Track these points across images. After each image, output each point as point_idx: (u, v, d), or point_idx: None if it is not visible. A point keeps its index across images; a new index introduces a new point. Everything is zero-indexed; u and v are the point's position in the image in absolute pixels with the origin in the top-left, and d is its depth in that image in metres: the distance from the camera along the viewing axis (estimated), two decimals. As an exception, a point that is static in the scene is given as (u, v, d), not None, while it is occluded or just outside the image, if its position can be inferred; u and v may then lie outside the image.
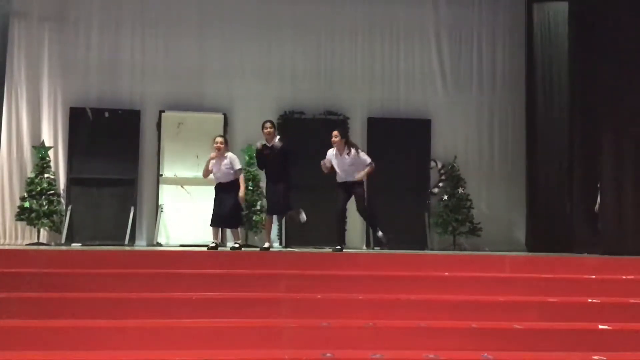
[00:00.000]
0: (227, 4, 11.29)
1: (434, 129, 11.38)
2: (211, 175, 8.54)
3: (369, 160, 8.45)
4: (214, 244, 8.33)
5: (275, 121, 10.88)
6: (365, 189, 8.73)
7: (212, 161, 8.41)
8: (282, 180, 8.32)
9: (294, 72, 11.34)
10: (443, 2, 11.69)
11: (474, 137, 11.58)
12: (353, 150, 8.41)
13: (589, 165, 9.40)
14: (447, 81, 11.63)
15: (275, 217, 10.63)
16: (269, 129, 8.38)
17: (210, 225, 8.58)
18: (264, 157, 8.42)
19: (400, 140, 10.98)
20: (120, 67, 11.04)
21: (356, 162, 8.39)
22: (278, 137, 8.47)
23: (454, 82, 11.61)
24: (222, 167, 8.39)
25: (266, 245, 8.51)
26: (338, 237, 8.49)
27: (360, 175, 8.37)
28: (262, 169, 8.76)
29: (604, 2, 9.22)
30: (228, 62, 11.19)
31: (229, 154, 8.51)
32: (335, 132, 8.47)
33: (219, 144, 8.41)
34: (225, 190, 8.42)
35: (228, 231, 9.39)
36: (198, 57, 11.18)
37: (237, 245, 8.35)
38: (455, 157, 11.33)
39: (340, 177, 8.45)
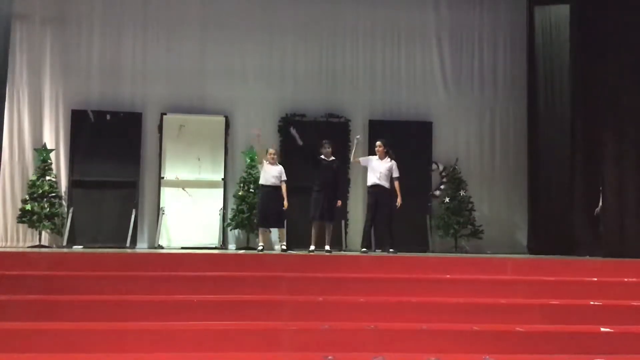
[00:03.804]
0: (228, 6, 11.27)
1: (435, 131, 11.37)
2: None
3: (399, 174, 9.35)
4: (261, 247, 9.43)
5: (276, 123, 11.01)
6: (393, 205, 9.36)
7: (266, 164, 9.49)
8: (337, 195, 9.41)
9: (296, 75, 11.33)
10: (444, 5, 11.69)
11: (475, 140, 11.57)
12: (391, 161, 9.35)
13: (590, 167, 9.40)
14: (448, 84, 11.62)
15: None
16: (327, 149, 9.42)
17: (260, 226, 9.59)
18: (320, 163, 9.38)
19: (401, 143, 10.85)
20: (121, 69, 11.03)
21: (391, 170, 9.32)
22: (333, 157, 9.49)
23: (456, 85, 11.60)
24: (273, 174, 9.38)
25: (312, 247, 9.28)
26: (367, 241, 9.40)
27: (399, 198, 9.28)
28: (315, 170, 9.44)
29: (604, 4, 9.23)
30: (229, 64, 11.17)
31: (280, 165, 9.53)
32: (379, 143, 9.49)
33: (273, 155, 9.46)
34: (270, 192, 9.36)
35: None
36: (200, 59, 11.17)
37: (285, 247, 9.52)
38: (457, 159, 11.32)
39: (372, 179, 9.31)
